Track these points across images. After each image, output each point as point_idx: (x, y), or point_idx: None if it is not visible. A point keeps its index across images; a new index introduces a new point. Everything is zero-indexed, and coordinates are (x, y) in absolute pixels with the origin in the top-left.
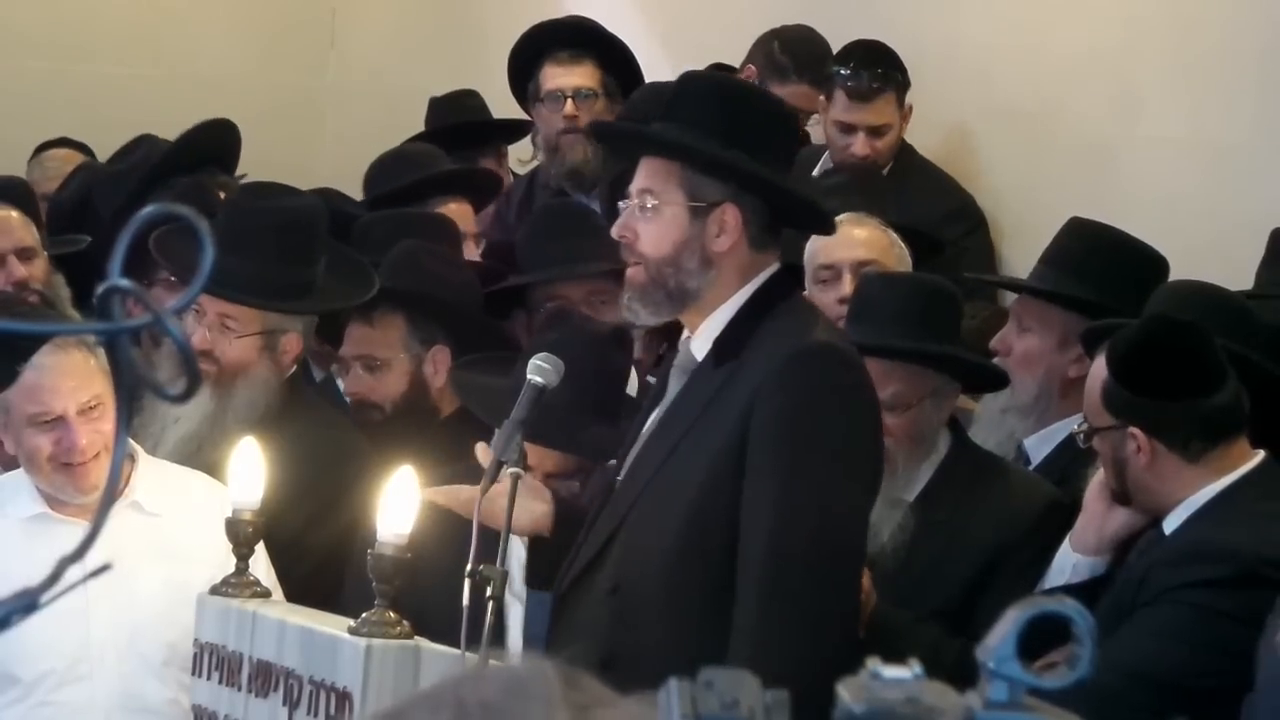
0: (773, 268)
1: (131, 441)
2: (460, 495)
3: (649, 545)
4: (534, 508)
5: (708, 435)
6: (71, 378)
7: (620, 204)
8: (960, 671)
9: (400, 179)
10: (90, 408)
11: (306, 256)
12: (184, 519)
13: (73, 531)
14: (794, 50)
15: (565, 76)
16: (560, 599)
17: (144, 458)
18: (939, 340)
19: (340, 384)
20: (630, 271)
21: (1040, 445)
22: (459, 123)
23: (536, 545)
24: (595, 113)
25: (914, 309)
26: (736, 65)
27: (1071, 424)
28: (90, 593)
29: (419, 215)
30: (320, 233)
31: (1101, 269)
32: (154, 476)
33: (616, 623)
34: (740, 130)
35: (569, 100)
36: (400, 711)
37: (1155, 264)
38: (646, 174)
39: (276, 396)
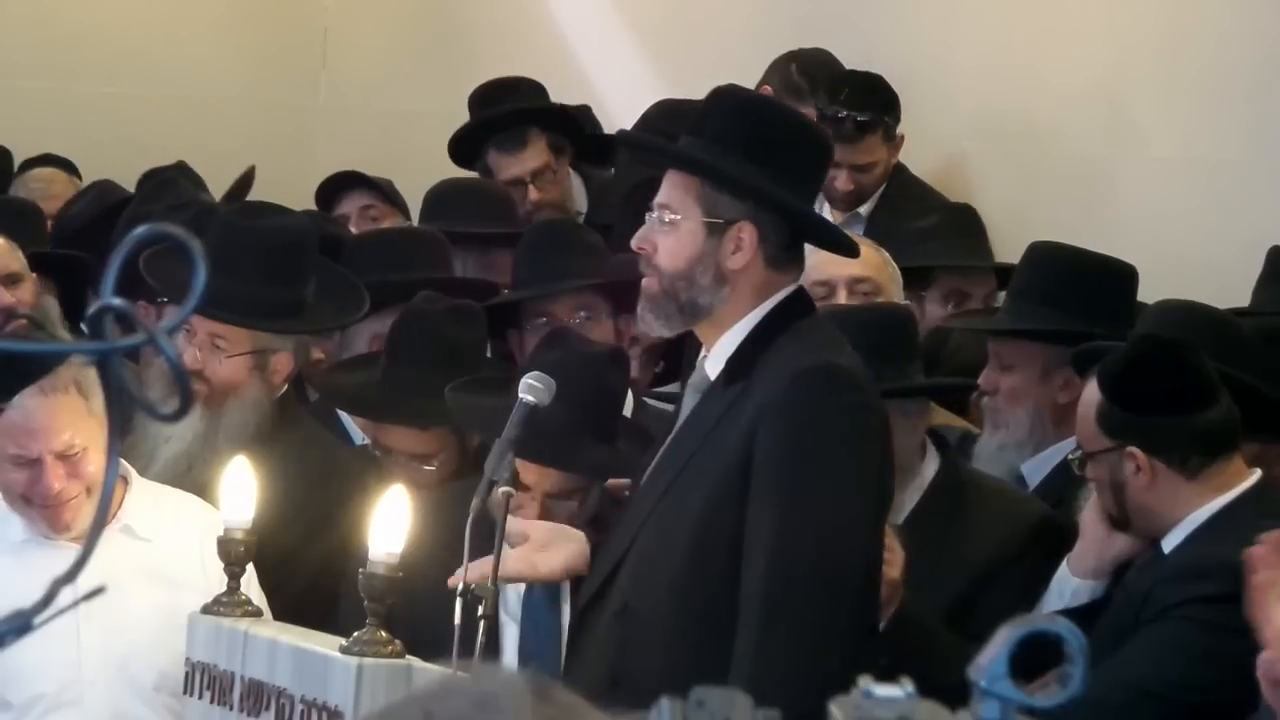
0: (790, 287)
1: (126, 464)
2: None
3: (656, 566)
4: (569, 547)
5: (714, 456)
6: (53, 421)
7: (647, 216)
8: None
9: None
10: (69, 454)
11: (297, 276)
12: (176, 544)
13: (64, 555)
14: (811, 72)
15: (517, 165)
16: (578, 619)
17: (137, 481)
18: (899, 363)
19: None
20: (645, 281)
21: (1039, 468)
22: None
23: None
24: (556, 180)
25: (871, 344)
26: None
27: (1066, 446)
28: (81, 617)
29: (409, 234)
30: (311, 252)
31: (1070, 291)
32: (146, 500)
33: (623, 643)
34: (765, 148)
35: (530, 186)
36: None
37: (1123, 274)
38: (669, 188)
39: (267, 416)
